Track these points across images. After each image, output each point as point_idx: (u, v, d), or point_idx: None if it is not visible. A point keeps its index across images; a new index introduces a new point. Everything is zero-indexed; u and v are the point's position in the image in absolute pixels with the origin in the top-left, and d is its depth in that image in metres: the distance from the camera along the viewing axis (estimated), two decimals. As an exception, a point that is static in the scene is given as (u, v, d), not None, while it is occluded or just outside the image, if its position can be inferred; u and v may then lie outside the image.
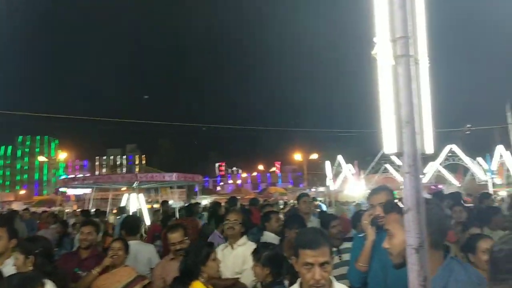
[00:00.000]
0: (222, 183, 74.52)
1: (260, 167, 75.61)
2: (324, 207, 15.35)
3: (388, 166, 33.40)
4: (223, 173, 79.03)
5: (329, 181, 28.38)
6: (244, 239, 4.13)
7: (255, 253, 3.10)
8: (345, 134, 33.29)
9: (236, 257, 3.87)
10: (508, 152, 24.21)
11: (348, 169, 32.57)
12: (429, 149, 1.39)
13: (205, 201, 27.89)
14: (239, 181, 73.63)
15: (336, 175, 32.96)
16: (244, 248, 3.87)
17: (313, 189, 35.34)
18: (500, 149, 26.09)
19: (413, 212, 1.27)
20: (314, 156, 46.47)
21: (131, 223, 4.94)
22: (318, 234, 2.17)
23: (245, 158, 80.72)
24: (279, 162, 76.57)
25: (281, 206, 17.11)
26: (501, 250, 1.13)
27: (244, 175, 77.30)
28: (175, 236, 3.82)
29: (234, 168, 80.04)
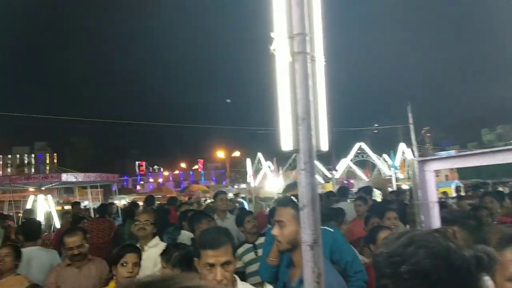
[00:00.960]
0: (142, 182, 71.69)
1: (183, 165, 74.19)
2: (245, 204, 15.46)
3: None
4: (143, 171, 75.96)
5: (249, 178, 28.81)
6: (156, 240, 3.98)
7: (164, 254, 2.97)
8: (264, 132, 33.98)
9: (147, 259, 3.68)
10: (409, 150, 26.57)
11: (267, 165, 33.31)
12: (324, 146, 1.40)
13: (124, 201, 26.63)
14: (160, 180, 71.44)
15: (256, 171, 33.53)
16: (156, 249, 3.70)
17: (235, 186, 35.61)
18: (402, 146, 28.62)
19: (308, 209, 1.27)
20: (237, 153, 46.90)
21: (29, 227, 4.50)
22: (219, 233, 2.11)
23: (167, 156, 78.67)
24: (202, 160, 75.75)
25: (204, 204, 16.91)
26: (381, 253, 1.04)
27: (166, 173, 75.14)
28: (73, 240, 3.52)
29: (156, 166, 77.31)
